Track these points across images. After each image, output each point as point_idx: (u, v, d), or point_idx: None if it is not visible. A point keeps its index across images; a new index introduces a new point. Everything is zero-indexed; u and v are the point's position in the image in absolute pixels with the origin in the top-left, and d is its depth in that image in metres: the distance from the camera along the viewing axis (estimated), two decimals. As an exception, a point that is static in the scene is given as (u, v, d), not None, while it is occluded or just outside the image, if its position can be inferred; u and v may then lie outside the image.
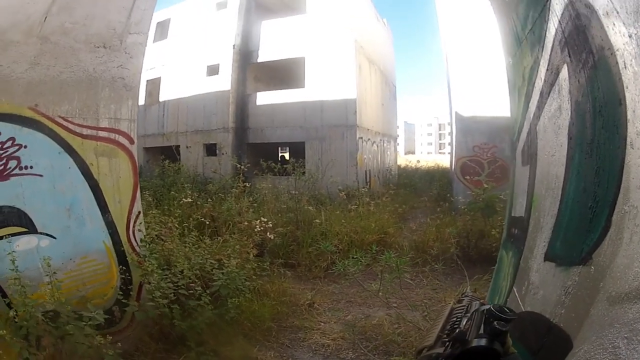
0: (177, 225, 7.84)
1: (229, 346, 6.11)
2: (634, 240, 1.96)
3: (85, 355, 4.74)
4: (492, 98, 15.98)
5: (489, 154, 17.47)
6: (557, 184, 2.93)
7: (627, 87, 2.07)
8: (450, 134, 22.66)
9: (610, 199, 2.19)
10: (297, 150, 22.57)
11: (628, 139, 2.06)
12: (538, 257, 3.20)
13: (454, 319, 1.76)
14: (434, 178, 26.48)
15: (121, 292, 5.97)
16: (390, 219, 14.15)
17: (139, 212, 6.44)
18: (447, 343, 1.60)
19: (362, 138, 21.05)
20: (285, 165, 15.98)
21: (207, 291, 6.30)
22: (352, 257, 7.69)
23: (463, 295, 1.95)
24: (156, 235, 7.20)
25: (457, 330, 1.62)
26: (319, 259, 10.37)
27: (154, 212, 7.98)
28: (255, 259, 8.23)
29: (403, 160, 49.43)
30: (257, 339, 6.67)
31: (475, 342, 1.50)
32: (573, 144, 2.72)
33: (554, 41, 3.01)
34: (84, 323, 4.82)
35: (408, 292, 8.52)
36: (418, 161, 43.11)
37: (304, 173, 16.19)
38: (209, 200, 12.29)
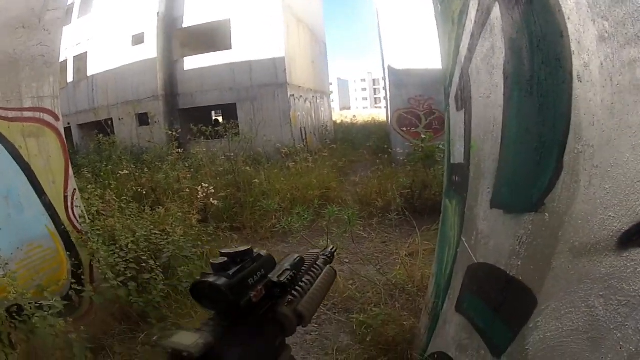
0: (115, 198, 7.52)
1: (190, 318, 5.89)
2: (594, 184, 1.74)
3: (56, 346, 4.51)
4: (425, 51, 15.79)
5: (425, 106, 17.70)
6: (495, 126, 2.71)
7: (568, 18, 1.87)
8: (385, 88, 22.70)
9: (559, 139, 1.96)
10: (230, 112, 22.24)
11: (574, 72, 1.85)
12: (484, 205, 3.00)
13: None
14: (371, 132, 26.56)
15: (74, 276, 5.68)
16: (330, 174, 14.13)
17: (75, 190, 6.12)
18: None
19: (293, 96, 20.96)
20: (217, 128, 15.78)
21: (157, 263, 6.09)
22: (296, 214, 7.49)
23: None
24: (96, 211, 6.84)
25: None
26: (264, 220, 10.20)
27: (90, 187, 7.59)
28: (199, 224, 8.02)
29: (339, 116, 49.40)
30: None
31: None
32: (510, 83, 2.50)
33: (483, -19, 2.77)
34: (46, 312, 4.53)
35: (358, 247, 8.36)
36: (354, 116, 43.08)
37: (237, 134, 15.96)
38: (146, 170, 11.97)
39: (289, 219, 7.43)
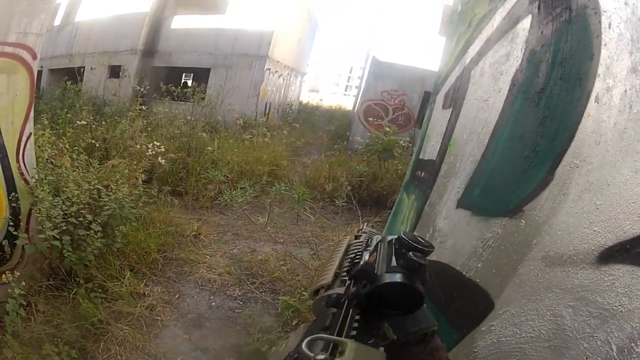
0: (68, 147, 7.07)
1: (117, 281, 5.75)
2: (584, 198, 1.76)
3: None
4: (413, 50, 16.32)
5: (396, 101, 17.88)
6: (485, 129, 2.72)
7: (605, 45, 1.91)
8: (361, 77, 22.77)
9: (556, 151, 1.99)
10: (203, 77, 21.75)
11: (593, 93, 1.88)
12: (448, 204, 3.00)
13: (352, 255, 1.46)
14: (334, 117, 26.55)
15: (11, 224, 5.19)
16: (284, 152, 13.91)
17: (30, 134, 5.62)
18: (350, 281, 1.30)
19: (270, 69, 20.53)
20: (185, 90, 15.51)
21: (97, 220, 5.76)
22: (241, 187, 7.38)
23: (360, 232, 1.65)
24: (47, 159, 6.47)
25: (361, 264, 1.28)
26: (207, 188, 9.90)
27: (46, 132, 7.21)
28: (143, 185, 7.71)
29: (306, 96, 49.29)
30: (144, 273, 6.32)
31: (388, 278, 1.20)
32: (515, 91, 2.51)
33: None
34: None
35: (295, 228, 8.29)
36: (320, 99, 42.97)
37: (203, 98, 15.73)
38: (103, 123, 11.48)
39: (232, 193, 7.27)
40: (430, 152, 3.94)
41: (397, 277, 1.19)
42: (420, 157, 4.33)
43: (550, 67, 2.25)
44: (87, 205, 5.84)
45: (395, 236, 1.35)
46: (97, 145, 9.13)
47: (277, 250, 7.45)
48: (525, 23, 2.59)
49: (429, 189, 3.58)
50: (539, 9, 2.50)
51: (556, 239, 1.84)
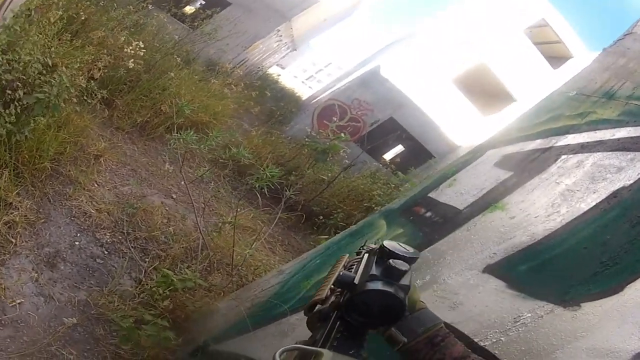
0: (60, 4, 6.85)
1: None
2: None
3: None
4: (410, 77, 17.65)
5: (359, 112, 19.04)
6: (559, 215, 3.00)
7: None
8: (340, 77, 23.19)
9: (635, 271, 2.34)
10: (215, 6, 21.54)
11: None
12: (470, 262, 3.24)
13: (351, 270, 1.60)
14: (286, 98, 26.80)
15: None
16: (232, 111, 14.34)
17: None
18: (337, 293, 1.51)
19: (279, 30, 21.21)
20: (203, 9, 16.49)
21: (22, 100, 5.54)
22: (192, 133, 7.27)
23: (361, 248, 1.81)
24: (32, 8, 6.24)
25: (341, 274, 1.48)
26: (140, 112, 9.97)
27: None
28: (94, 81, 7.62)
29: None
30: (24, 179, 6.08)
31: (366, 286, 1.40)
32: (614, 202, 2.81)
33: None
34: None
35: (193, 189, 8.46)
36: (279, 75, 42.92)
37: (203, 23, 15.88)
38: (102, 2, 11.32)
39: (190, 133, 7.12)
40: (453, 197, 4.21)
41: (375, 285, 1.39)
42: (431, 195, 4.62)
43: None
44: (23, 77, 5.60)
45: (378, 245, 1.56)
46: (83, 18, 9.06)
47: (167, 205, 7.72)
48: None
49: (436, 234, 3.86)
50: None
51: (607, 337, 2.21)
